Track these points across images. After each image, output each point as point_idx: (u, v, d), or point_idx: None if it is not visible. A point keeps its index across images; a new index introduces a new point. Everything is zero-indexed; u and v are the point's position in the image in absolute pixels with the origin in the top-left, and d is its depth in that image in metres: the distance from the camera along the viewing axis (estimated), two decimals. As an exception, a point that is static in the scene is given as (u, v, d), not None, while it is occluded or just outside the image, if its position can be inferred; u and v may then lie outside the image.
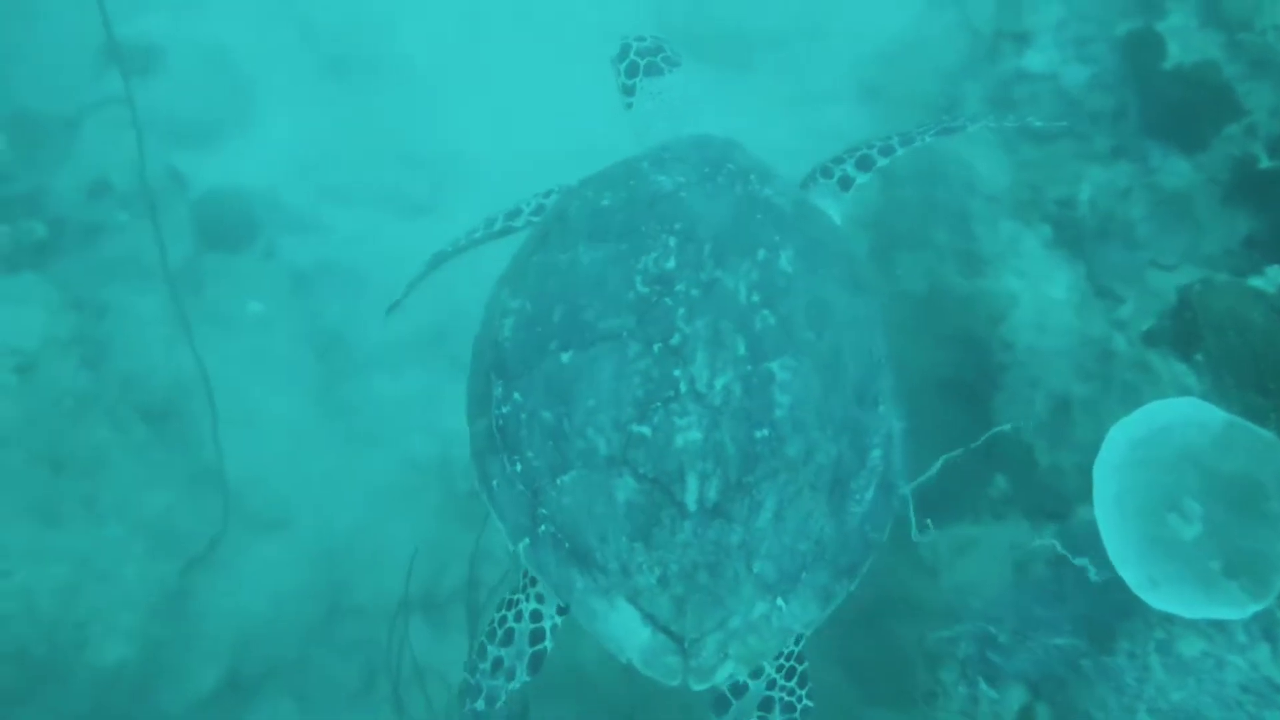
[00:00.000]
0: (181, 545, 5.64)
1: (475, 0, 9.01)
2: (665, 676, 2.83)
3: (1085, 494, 3.46)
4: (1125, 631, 3.37)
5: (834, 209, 3.63)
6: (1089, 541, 3.43)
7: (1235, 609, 3.12)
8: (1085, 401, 4.42)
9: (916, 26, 6.62)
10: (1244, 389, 3.84)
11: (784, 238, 3.17)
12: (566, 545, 2.92)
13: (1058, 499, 4.30)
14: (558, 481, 2.94)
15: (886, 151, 3.74)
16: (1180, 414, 3.44)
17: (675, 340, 2.94)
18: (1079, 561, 3.43)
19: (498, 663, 3.04)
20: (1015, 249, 4.88)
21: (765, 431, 2.89)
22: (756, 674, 3.01)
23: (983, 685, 3.62)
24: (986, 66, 5.41)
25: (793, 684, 3.05)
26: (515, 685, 3.02)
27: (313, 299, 7.23)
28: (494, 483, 3.04)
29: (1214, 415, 3.38)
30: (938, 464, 3.68)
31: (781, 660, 3.03)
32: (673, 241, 3.10)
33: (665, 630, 2.82)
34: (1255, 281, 4.08)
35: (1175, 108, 4.56)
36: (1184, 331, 4.05)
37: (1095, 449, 3.43)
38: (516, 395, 3.06)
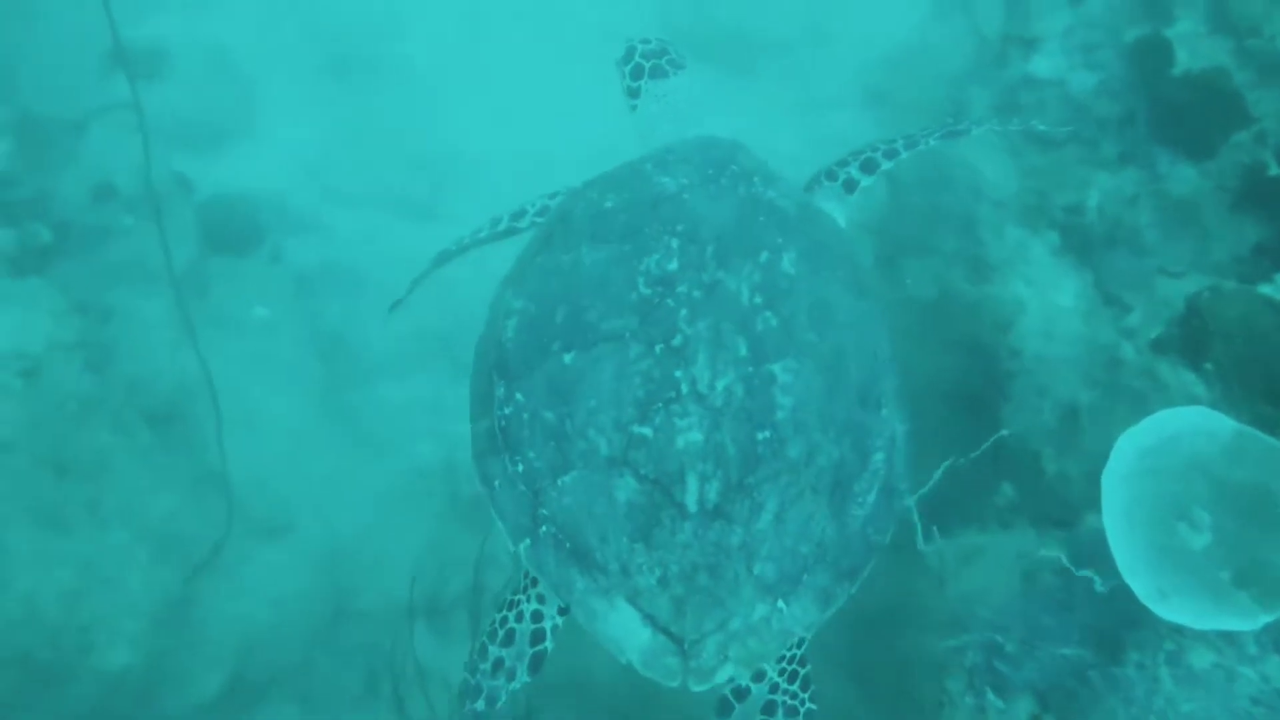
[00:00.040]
0: (185, 550, 5.63)
1: (479, 3, 9.02)
2: (665, 677, 2.83)
3: (1093, 502, 3.44)
4: (1134, 642, 3.35)
5: (839, 212, 3.63)
6: (1097, 551, 3.42)
7: (1245, 620, 3.10)
8: (1093, 410, 4.40)
9: (922, 32, 6.61)
10: (1253, 398, 3.82)
11: (787, 240, 3.17)
12: (567, 545, 2.92)
13: (1065, 507, 4.28)
14: (559, 482, 2.94)
15: (891, 155, 3.75)
16: (1189, 423, 3.42)
17: (677, 341, 2.95)
18: (1082, 573, 3.42)
19: (498, 663, 3.03)
20: (1023, 255, 4.86)
21: (766, 433, 2.89)
22: (759, 677, 3.01)
23: (990, 695, 3.60)
24: (993, 72, 5.39)
25: (795, 687, 3.04)
26: (516, 685, 3.01)
27: (317, 302, 7.23)
28: (495, 483, 3.03)
29: (1223, 424, 3.37)
30: (939, 471, 3.68)
31: (784, 663, 3.02)
32: (675, 243, 3.11)
33: (665, 631, 2.81)
34: (1265, 289, 4.06)
35: (1183, 114, 4.54)
36: (1193, 339, 4.04)
37: (1103, 457, 3.42)
38: (519, 396, 3.06)
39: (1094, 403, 4.40)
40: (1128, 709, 3.31)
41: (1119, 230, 4.63)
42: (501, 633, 3.07)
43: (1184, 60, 4.54)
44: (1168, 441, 3.39)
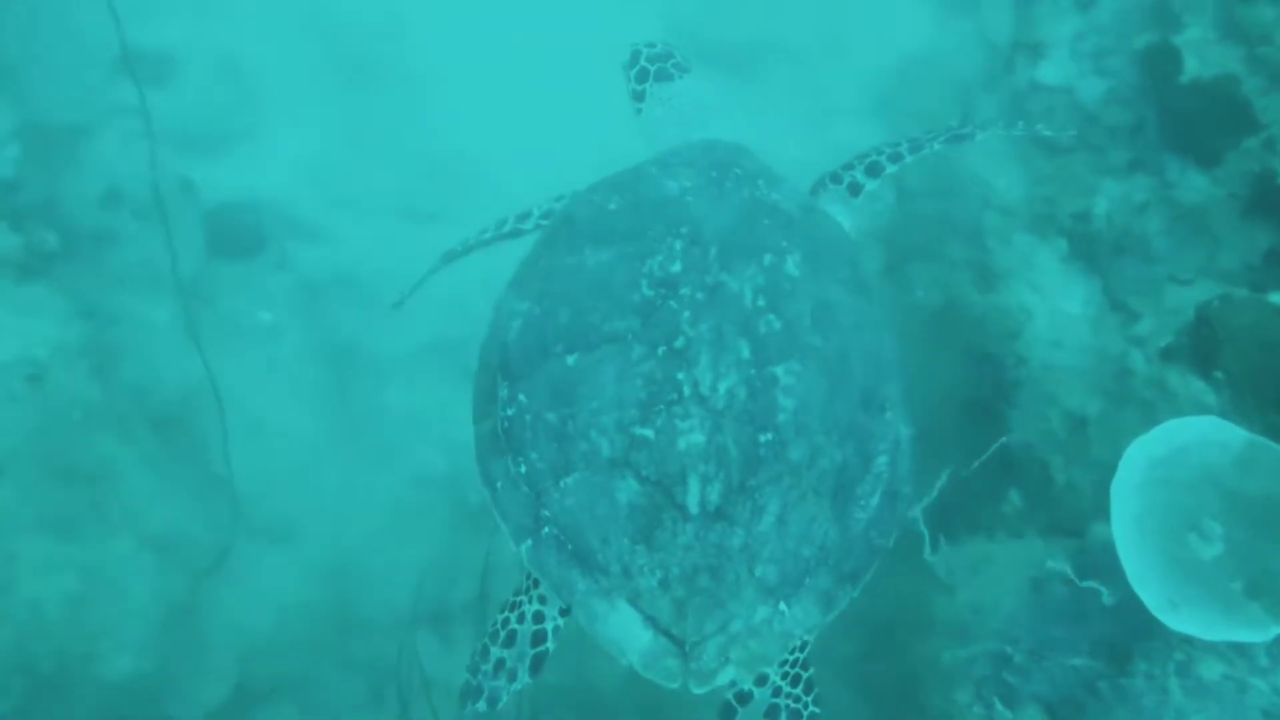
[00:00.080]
0: (190, 557, 5.63)
1: (487, 10, 9.02)
2: (665, 679, 2.82)
3: (1102, 512, 3.42)
4: (1144, 653, 3.33)
5: (843, 215, 3.62)
6: (1106, 561, 3.40)
7: (1256, 631, 3.08)
8: (1101, 419, 4.38)
9: (931, 39, 6.60)
10: (1265, 407, 3.80)
11: (791, 242, 3.17)
12: (569, 547, 2.91)
13: (1074, 516, 4.25)
14: (561, 483, 2.94)
15: (895, 158, 3.75)
16: (1200, 433, 3.40)
17: (679, 343, 2.95)
18: (1086, 584, 3.40)
19: (500, 664, 3.03)
20: (1030, 263, 4.85)
21: (768, 435, 2.89)
22: (761, 681, 3.00)
23: (998, 706, 3.58)
24: (1002, 79, 5.39)
25: (798, 691, 3.03)
26: (517, 686, 3.01)
27: (324, 308, 7.22)
28: (498, 484, 3.02)
29: (1234, 434, 3.34)
30: (941, 480, 3.66)
31: (786, 667, 3.01)
32: (678, 245, 3.11)
33: (666, 633, 2.81)
34: (1275, 297, 4.04)
35: (1193, 121, 4.52)
36: (1203, 348, 4.01)
37: (1112, 467, 3.40)
38: (522, 397, 3.05)
39: (1103, 412, 4.38)
40: (1137, 720, 3.29)
41: (1128, 238, 4.61)
42: (503, 634, 3.07)
43: (1193, 67, 4.51)
44: (1178, 451, 3.37)
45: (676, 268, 3.07)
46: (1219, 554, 3.20)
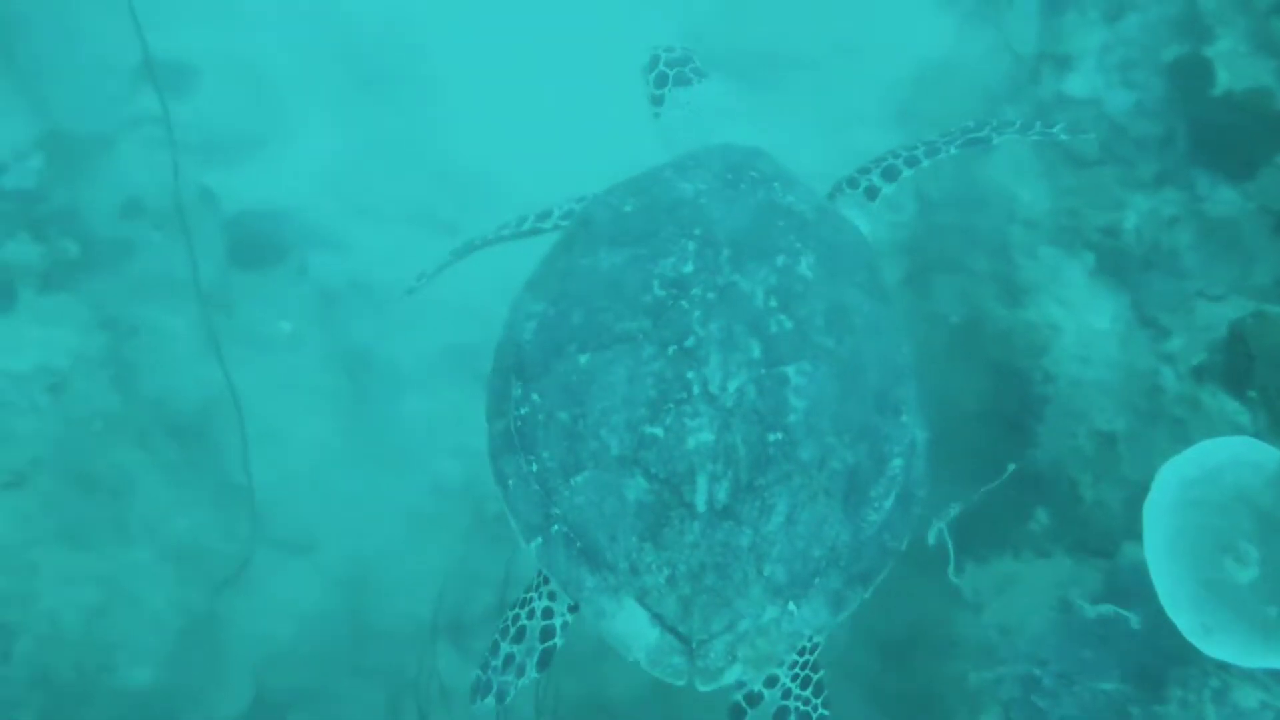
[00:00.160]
0: (209, 567, 5.64)
1: (505, 19, 9.03)
2: (671, 676, 2.83)
3: (1132, 532, 3.38)
4: (1178, 679, 3.28)
5: (861, 219, 3.62)
6: (1137, 583, 3.35)
7: (1295, 659, 3.02)
8: (1131, 436, 4.32)
9: (953, 49, 6.55)
10: (1300, 428, 3.74)
11: (804, 244, 3.18)
12: (577, 544, 2.93)
13: (1103, 536, 4.20)
14: (571, 481, 2.95)
15: (912, 162, 3.75)
16: (1233, 453, 3.36)
17: (690, 342, 2.96)
18: (1104, 607, 3.35)
19: (509, 659, 3.05)
20: (1057, 277, 4.79)
21: (778, 435, 2.89)
22: (772, 682, 2.99)
23: (1027, 730, 3.53)
24: (1027, 90, 5.33)
25: (808, 693, 3.01)
26: (524, 681, 3.03)
27: (341, 317, 7.24)
28: (510, 482, 3.04)
29: (1269, 455, 3.30)
30: (953, 510, 3.62)
31: (797, 669, 3.00)
32: (691, 246, 3.13)
33: (672, 631, 2.82)
34: (1310, 315, 3.96)
35: (1224, 134, 4.45)
36: (1236, 366, 3.94)
37: (1142, 485, 3.36)
38: (535, 396, 3.08)
39: (1132, 429, 4.32)
40: (1172, 748, 3.24)
41: (1157, 252, 4.55)
42: (513, 629, 3.09)
43: (1225, 80, 4.45)
44: (1211, 472, 3.32)
45: (688, 268, 3.08)
46: (1255, 578, 3.14)
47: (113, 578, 5.29)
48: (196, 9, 7.65)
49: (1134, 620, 3.41)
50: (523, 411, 3.07)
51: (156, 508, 5.58)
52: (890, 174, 3.72)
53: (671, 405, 2.90)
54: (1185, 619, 3.12)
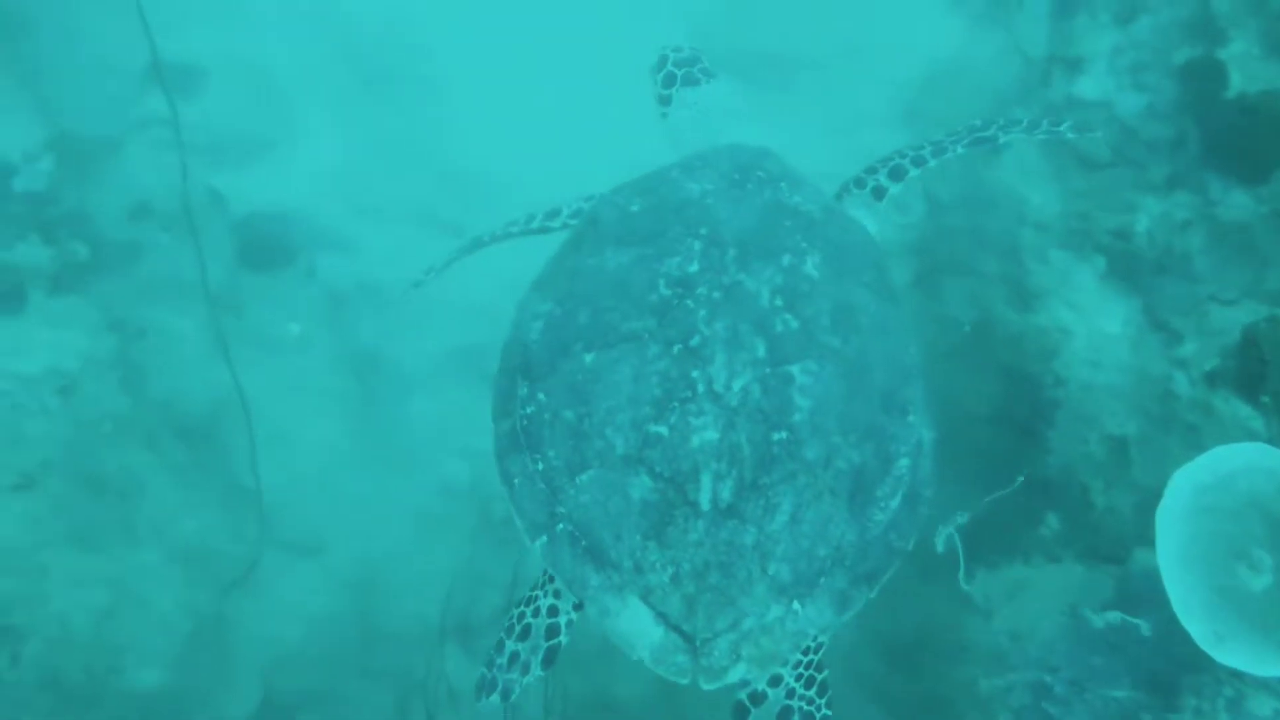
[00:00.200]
0: (217, 569, 5.65)
1: (512, 21, 9.02)
2: (675, 675, 2.83)
3: (1144, 538, 3.36)
4: (1191, 687, 3.26)
5: (868, 219, 3.63)
6: (1149, 589, 3.33)
7: (1309, 668, 3.00)
8: (1143, 441, 4.29)
9: (962, 50, 6.52)
10: (1315, 434, 3.71)
11: (811, 244, 3.19)
12: (582, 543, 2.94)
13: (1114, 542, 4.17)
14: (576, 480, 2.97)
15: (919, 162, 3.75)
16: (1247, 459, 3.34)
17: (695, 342, 2.97)
18: (1111, 614, 3.33)
19: (514, 657, 3.06)
20: (1068, 281, 4.77)
21: (783, 434, 2.89)
22: (775, 682, 2.99)
23: (1039, 738, 3.51)
24: (1037, 92, 5.30)
25: (812, 693, 3.01)
26: (529, 679, 3.04)
27: (349, 318, 7.24)
28: (515, 481, 3.06)
29: (1283, 461, 3.27)
30: (962, 518, 3.60)
31: (801, 669, 3.00)
32: (697, 245, 3.14)
33: (677, 629, 2.83)
34: (1325, 320, 3.93)
35: (1237, 138, 4.42)
36: (1249, 371, 3.92)
37: (1154, 491, 3.34)
38: (541, 396, 3.09)
39: (1144, 434, 4.29)
40: (1185, 758, 3.22)
41: (1169, 256, 4.52)
42: (518, 627, 3.10)
43: (1238, 83, 4.42)
44: (1225, 479, 3.30)
45: (694, 268, 3.09)
46: (1268, 585, 3.12)
47: (121, 580, 5.30)
48: (204, 11, 7.64)
49: (1144, 627, 3.38)
50: (529, 411, 3.09)
51: (165, 510, 5.59)
52: (897, 174, 3.72)
53: (676, 404, 2.91)
54: (1198, 627, 3.11)
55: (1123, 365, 4.49)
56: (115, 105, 6.76)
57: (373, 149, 8.23)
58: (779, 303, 3.03)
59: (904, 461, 3.03)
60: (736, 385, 2.91)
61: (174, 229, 6.35)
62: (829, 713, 3.00)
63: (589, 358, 3.04)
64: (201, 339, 6.19)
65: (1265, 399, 3.83)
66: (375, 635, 6.03)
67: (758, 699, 2.99)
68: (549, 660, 3.05)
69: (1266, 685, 3.13)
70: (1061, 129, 3.82)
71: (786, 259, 3.13)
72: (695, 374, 2.92)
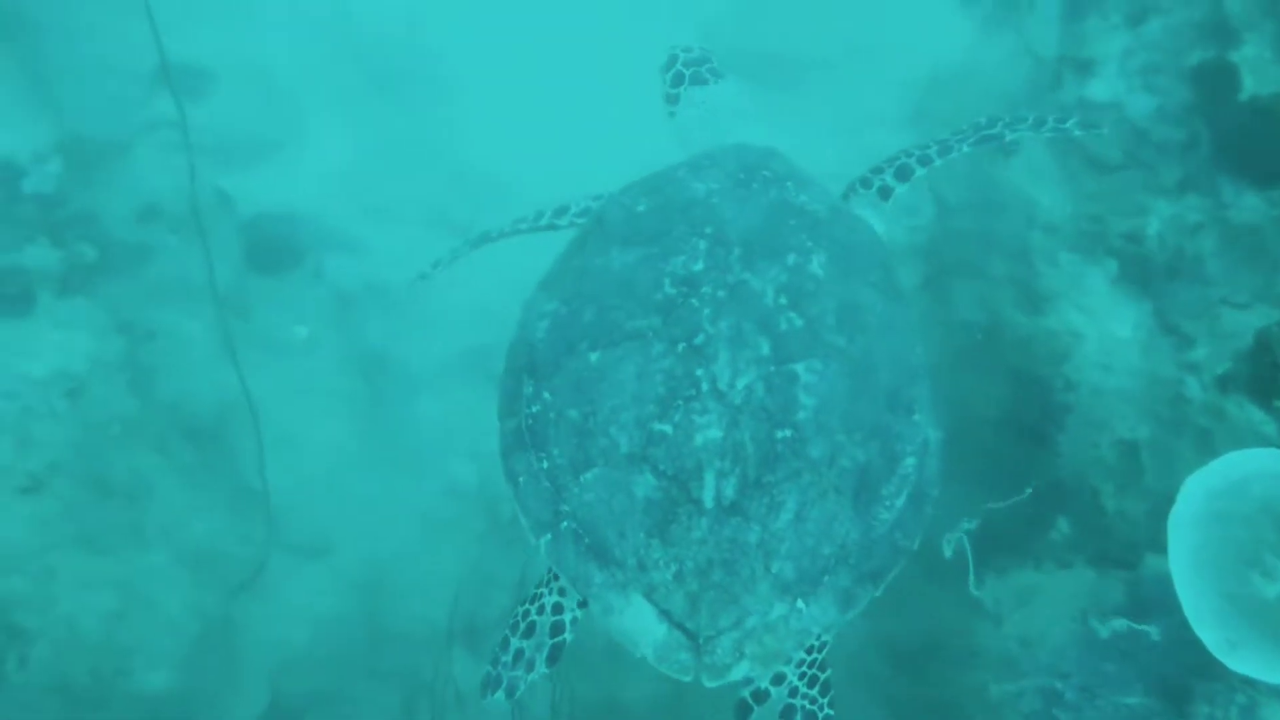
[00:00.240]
0: (225, 572, 5.65)
1: (519, 21, 9.02)
2: (678, 673, 2.84)
3: (1155, 543, 3.34)
4: (1204, 694, 3.24)
5: (875, 219, 3.63)
6: (1161, 595, 3.31)
7: (1323, 676, 2.98)
8: (1154, 446, 4.26)
9: (972, 52, 6.50)
10: (1328, 439, 3.68)
11: (816, 243, 3.20)
12: (586, 541, 2.95)
13: (1126, 547, 4.15)
14: (581, 478, 2.98)
15: (925, 161, 3.76)
16: (1260, 465, 3.32)
17: (699, 340, 2.98)
18: (1118, 621, 3.30)
19: (519, 654, 3.07)
20: (1078, 284, 4.74)
21: (787, 432, 2.90)
22: (778, 680, 3.00)
23: (1050, 744, 3.49)
24: (1047, 94, 5.26)
25: (815, 692, 3.02)
26: (534, 676, 3.05)
27: (358, 320, 7.25)
28: (520, 479, 3.08)
29: (1297, 467, 3.25)
30: (970, 524, 3.59)
31: (804, 668, 3.01)
32: (702, 245, 3.15)
33: (680, 627, 2.83)
34: (1339, 324, 3.91)
35: (1249, 140, 4.39)
36: (1262, 376, 3.89)
37: (1166, 496, 3.32)
38: (546, 394, 3.11)
39: (1156, 439, 4.26)
40: (1198, 766, 3.19)
41: (1180, 259, 4.49)
42: (523, 625, 3.11)
43: (1250, 85, 4.38)
44: (1237, 484, 3.28)
45: (699, 266, 3.10)
46: (1281, 592, 3.10)
47: (129, 582, 5.30)
48: (212, 13, 7.67)
49: (1153, 634, 3.36)
50: (534, 409, 3.11)
51: (173, 512, 5.60)
52: (903, 173, 3.73)
53: (680, 402, 2.92)
54: (1211, 634, 3.09)
55: (1134, 369, 4.46)
56: (124, 107, 6.78)
57: (380, 150, 8.25)
58: (783, 301, 3.04)
59: (910, 460, 3.04)
60: (740, 383, 2.92)
61: (182, 231, 6.36)
62: (831, 712, 3.01)
63: (594, 356, 3.06)
64: (209, 341, 6.20)
65: (1278, 403, 3.81)
66: (382, 637, 6.04)
67: (760, 697, 3.00)
68: (554, 658, 3.06)
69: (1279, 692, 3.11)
70: (1068, 126, 3.82)
71: (791, 258, 3.14)
72: (699, 372, 2.93)
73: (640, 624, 2.86)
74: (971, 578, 3.56)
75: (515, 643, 3.07)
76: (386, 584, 6.15)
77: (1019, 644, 4.04)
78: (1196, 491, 3.29)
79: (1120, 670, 3.52)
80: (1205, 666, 3.15)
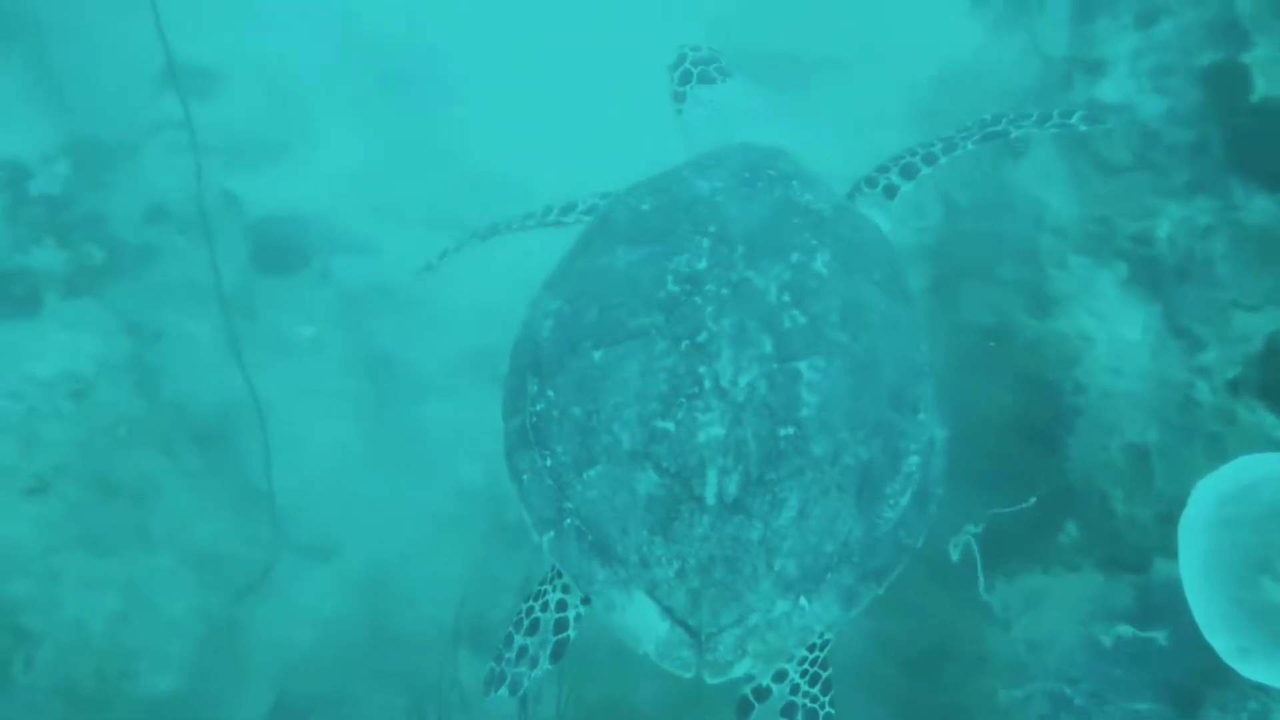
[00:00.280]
0: (231, 573, 5.65)
1: (529, 23, 9.02)
2: (680, 669, 2.85)
3: (1165, 548, 3.33)
4: (1215, 701, 3.21)
5: (881, 218, 3.64)
6: (1171, 600, 3.29)
7: (1336, 682, 2.96)
8: (1164, 450, 4.24)
9: (981, 52, 6.48)
10: (1340, 443, 3.66)
11: (820, 241, 3.21)
12: (589, 538, 2.96)
13: (1135, 551, 4.12)
14: (584, 476, 2.99)
15: (930, 159, 3.77)
16: (1271, 470, 3.30)
17: (702, 337, 2.98)
18: (1120, 630, 3.28)
19: (522, 651, 3.08)
20: (1088, 287, 4.72)
21: (790, 430, 2.90)
22: (780, 677, 3.00)
23: (1058, 750, 3.47)
24: (1057, 95, 5.24)
25: (816, 690, 3.02)
26: (538, 673, 3.05)
27: (363, 320, 7.24)
28: (524, 477, 3.09)
29: (1308, 472, 3.22)
30: (976, 528, 3.57)
31: (806, 665, 3.01)
32: (706, 243, 3.16)
33: (682, 623, 2.84)
34: (1351, 327, 3.89)
35: (1260, 142, 4.37)
36: (1273, 379, 3.87)
37: (1176, 500, 3.31)
38: (550, 392, 3.12)
39: (1166, 443, 4.24)
40: (1210, 773, 3.17)
41: (1191, 262, 4.46)
42: (527, 622, 3.11)
43: (1262, 87, 4.35)
44: (1248, 489, 3.26)
45: (702, 265, 3.11)
46: (1293, 598, 3.07)
47: (135, 584, 5.31)
48: (219, 14, 7.68)
49: (1160, 639, 3.33)
50: (538, 408, 3.12)
51: (178, 514, 5.60)
52: (908, 172, 3.74)
53: (683, 400, 2.92)
54: (1222, 640, 3.07)
55: (1144, 372, 4.44)
56: (131, 108, 6.79)
57: (387, 151, 8.25)
58: (786, 299, 3.05)
59: (914, 459, 3.03)
60: (743, 381, 2.92)
61: (189, 232, 6.36)
62: (832, 710, 3.01)
63: (597, 355, 3.07)
64: (216, 342, 6.20)
65: (1290, 408, 3.80)
66: (388, 639, 6.03)
67: (762, 694, 3.00)
68: (558, 654, 3.06)
69: (1292, 700, 3.09)
70: (1072, 120, 3.81)
71: (795, 256, 3.14)
72: (702, 370, 2.94)
73: (642, 621, 2.87)
74: (981, 582, 3.55)
75: (519, 639, 3.08)
76: (392, 585, 6.15)
77: (1027, 648, 4.02)
78: (1207, 496, 3.27)
79: (1130, 676, 3.49)
80: (1216, 672, 3.12)
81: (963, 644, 4.49)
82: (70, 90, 6.55)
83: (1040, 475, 4.16)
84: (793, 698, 2.99)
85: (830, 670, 3.02)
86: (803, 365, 2.96)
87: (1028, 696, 3.61)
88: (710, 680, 2.83)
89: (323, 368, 6.78)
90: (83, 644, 5.06)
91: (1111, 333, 4.59)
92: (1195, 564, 3.18)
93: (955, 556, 3.70)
